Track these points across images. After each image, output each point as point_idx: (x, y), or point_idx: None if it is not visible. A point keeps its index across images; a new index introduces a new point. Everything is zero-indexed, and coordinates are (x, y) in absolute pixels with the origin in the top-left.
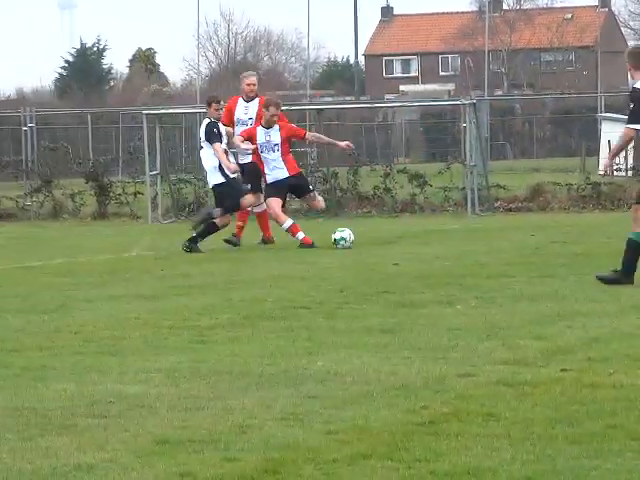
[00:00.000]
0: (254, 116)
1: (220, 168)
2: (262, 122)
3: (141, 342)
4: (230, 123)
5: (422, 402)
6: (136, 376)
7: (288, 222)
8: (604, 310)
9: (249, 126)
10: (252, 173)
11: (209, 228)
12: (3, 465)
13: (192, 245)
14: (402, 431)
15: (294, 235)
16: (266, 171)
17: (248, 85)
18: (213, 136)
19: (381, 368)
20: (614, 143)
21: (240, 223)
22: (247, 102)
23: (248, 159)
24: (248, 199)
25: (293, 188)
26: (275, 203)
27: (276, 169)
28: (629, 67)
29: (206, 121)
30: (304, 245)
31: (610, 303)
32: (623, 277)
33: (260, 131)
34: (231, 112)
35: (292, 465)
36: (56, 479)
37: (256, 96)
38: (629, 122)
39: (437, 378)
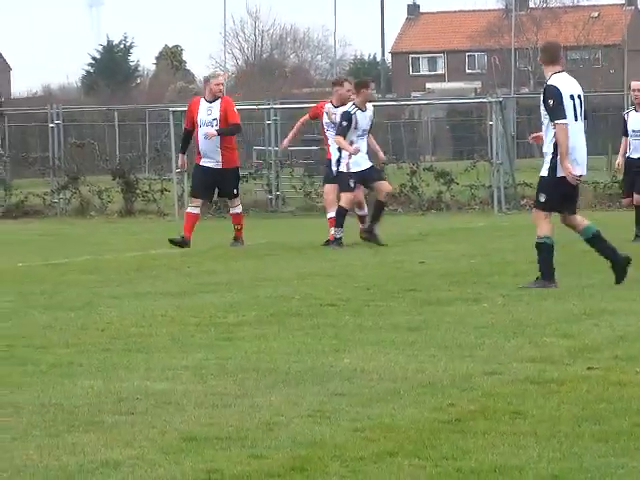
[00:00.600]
0: (217, 116)
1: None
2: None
3: (168, 339)
4: (192, 126)
5: (449, 400)
6: (163, 373)
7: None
8: (631, 308)
9: (214, 127)
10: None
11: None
12: (30, 462)
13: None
14: (429, 429)
15: (330, 227)
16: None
17: (217, 85)
18: (339, 128)
19: (408, 366)
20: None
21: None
22: (210, 102)
23: None
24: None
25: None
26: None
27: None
28: (540, 63)
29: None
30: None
31: (637, 301)
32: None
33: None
34: (192, 114)
35: (319, 462)
36: (83, 476)
37: (221, 97)
38: (557, 118)
39: (464, 376)
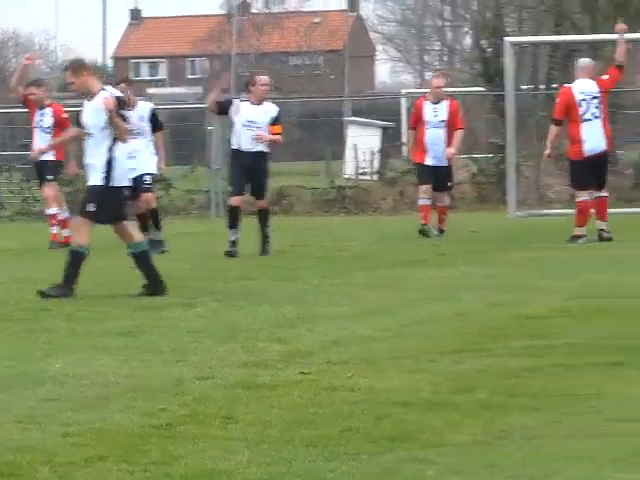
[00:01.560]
0: None
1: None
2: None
3: None
4: None
5: (160, 404)
6: None
7: None
8: (344, 313)
9: None
10: None
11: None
12: None
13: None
14: (139, 434)
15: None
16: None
17: None
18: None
19: (120, 370)
20: (359, 147)
21: None
22: None
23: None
24: None
25: None
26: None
27: None
28: (84, 77)
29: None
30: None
31: (350, 306)
32: None
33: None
34: None
35: (27, 468)
36: None
37: None
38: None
39: (176, 380)
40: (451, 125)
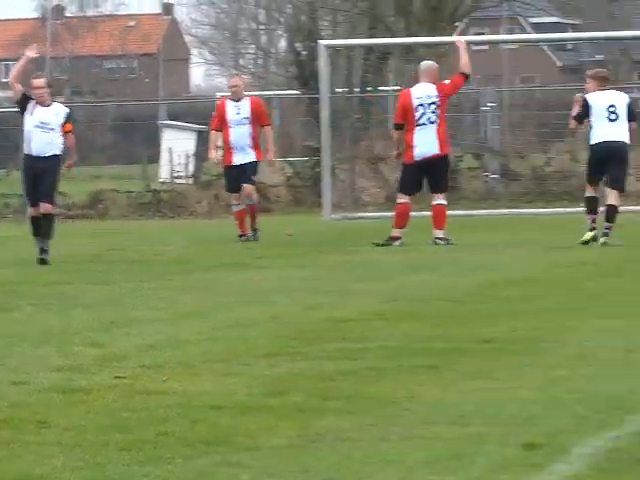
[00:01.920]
0: None
1: None
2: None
3: None
4: None
5: None
6: None
7: None
8: (160, 317)
9: None
10: None
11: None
12: None
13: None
14: None
15: None
16: None
17: None
18: None
19: None
20: (175, 150)
21: None
22: None
23: None
24: None
25: None
26: None
27: None
28: None
29: None
30: None
31: (166, 310)
32: None
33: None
34: None
35: None
36: None
37: None
38: None
39: None
40: (256, 121)
